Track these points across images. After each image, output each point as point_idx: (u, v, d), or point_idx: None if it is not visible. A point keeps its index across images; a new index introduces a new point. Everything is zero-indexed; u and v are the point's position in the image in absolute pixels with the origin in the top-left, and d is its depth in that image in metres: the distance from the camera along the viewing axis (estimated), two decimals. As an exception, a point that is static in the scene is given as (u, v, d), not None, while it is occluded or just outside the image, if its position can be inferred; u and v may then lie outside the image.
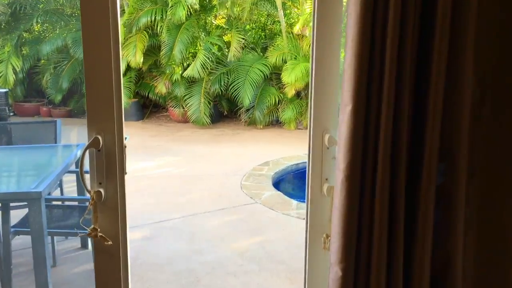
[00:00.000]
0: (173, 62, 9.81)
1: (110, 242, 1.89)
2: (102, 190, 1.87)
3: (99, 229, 1.88)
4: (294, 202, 5.63)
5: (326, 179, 2.01)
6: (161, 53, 9.91)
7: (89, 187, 1.86)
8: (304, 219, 5.61)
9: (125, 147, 1.92)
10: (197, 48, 10.14)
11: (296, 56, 9.58)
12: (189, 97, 9.89)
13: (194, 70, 9.58)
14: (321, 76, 1.92)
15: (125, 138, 3.88)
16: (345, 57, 1.71)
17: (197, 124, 9.74)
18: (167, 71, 10.00)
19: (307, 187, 2.05)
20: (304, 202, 5.96)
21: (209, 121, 9.76)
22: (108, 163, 1.88)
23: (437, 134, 1.65)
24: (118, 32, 1.82)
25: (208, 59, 9.70)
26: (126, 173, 1.93)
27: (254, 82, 9.59)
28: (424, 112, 1.63)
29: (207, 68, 9.66)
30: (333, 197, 1.95)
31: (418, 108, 1.68)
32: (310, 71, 1.96)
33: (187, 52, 9.93)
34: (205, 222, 5.14)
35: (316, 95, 1.94)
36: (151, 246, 4.52)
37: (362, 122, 1.66)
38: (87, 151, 1.84)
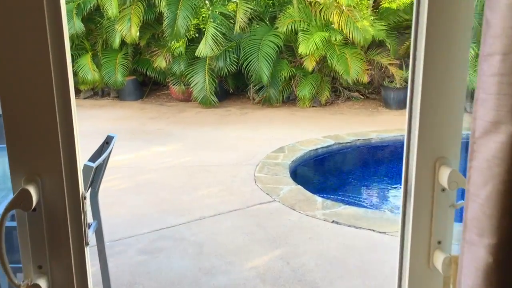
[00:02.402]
0: (175, 36, 8.85)
1: None
2: (42, 282, 1.03)
3: None
4: (318, 199, 4.79)
5: (439, 243, 1.17)
6: (164, 23, 8.95)
7: (16, 279, 1.02)
8: (333, 222, 4.64)
9: (85, 198, 1.07)
10: (200, 20, 9.20)
11: (309, 23, 8.66)
12: (193, 75, 9.01)
13: (206, 46, 8.61)
14: (433, 67, 1.07)
15: (111, 139, 2.98)
16: (486, 27, 0.87)
17: (204, 104, 8.87)
18: (168, 45, 9.07)
19: (400, 252, 1.21)
20: (331, 199, 5.03)
21: (216, 100, 8.91)
22: (51, 231, 1.03)
23: None
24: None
25: (218, 30, 8.74)
26: (87, 244, 1.09)
27: (269, 56, 8.63)
28: None
29: (220, 43, 8.72)
30: (455, 277, 1.12)
31: None
32: (411, 56, 1.11)
33: (191, 24, 9.00)
34: (215, 229, 4.30)
35: (425, 99, 1.09)
36: (150, 264, 3.70)
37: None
38: (11, 214, 1.00)
